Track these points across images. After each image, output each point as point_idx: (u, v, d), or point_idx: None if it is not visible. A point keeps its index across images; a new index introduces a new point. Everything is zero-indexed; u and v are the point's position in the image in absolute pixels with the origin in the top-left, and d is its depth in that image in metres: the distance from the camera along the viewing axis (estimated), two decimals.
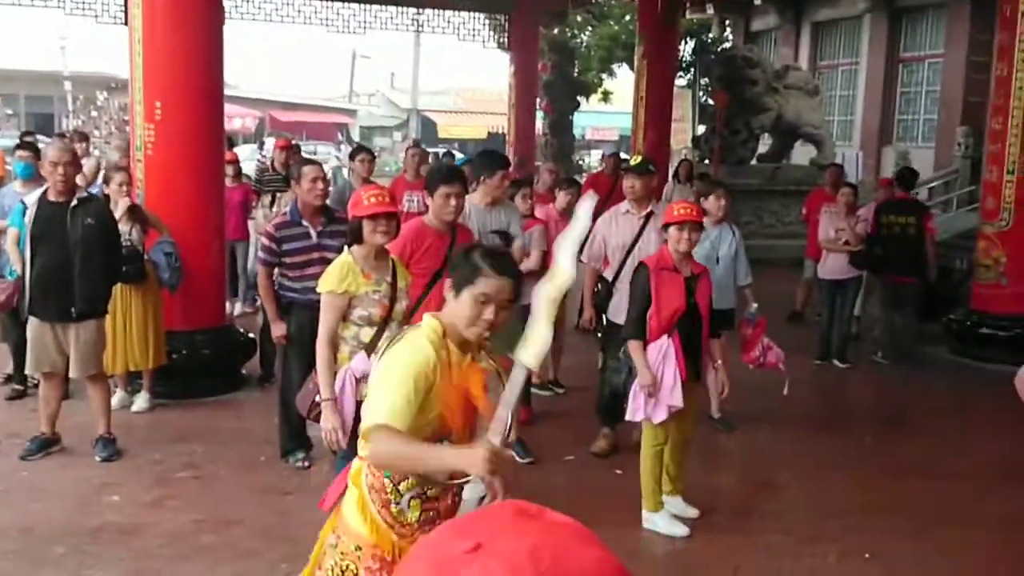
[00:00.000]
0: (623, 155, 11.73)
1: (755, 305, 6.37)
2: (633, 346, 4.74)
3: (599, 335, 6.30)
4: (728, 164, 15.19)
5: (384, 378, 2.53)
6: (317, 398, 4.12)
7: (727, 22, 24.11)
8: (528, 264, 6.19)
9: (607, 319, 6.01)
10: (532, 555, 0.78)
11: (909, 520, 5.07)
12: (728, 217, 6.70)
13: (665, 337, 4.70)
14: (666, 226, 4.77)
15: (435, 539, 0.84)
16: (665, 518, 4.91)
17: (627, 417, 4.91)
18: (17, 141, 8.96)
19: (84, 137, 11.36)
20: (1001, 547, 4.82)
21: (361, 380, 4.10)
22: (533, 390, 7.02)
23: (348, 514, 2.65)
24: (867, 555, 4.63)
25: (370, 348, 4.13)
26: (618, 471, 5.75)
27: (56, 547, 4.46)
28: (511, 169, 6.19)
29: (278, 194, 8.42)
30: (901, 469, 5.93)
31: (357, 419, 4.05)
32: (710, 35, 23.38)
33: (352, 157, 8.12)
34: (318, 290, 4.16)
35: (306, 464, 5.49)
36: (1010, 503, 5.42)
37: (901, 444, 6.52)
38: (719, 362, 5.18)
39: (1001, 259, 8.57)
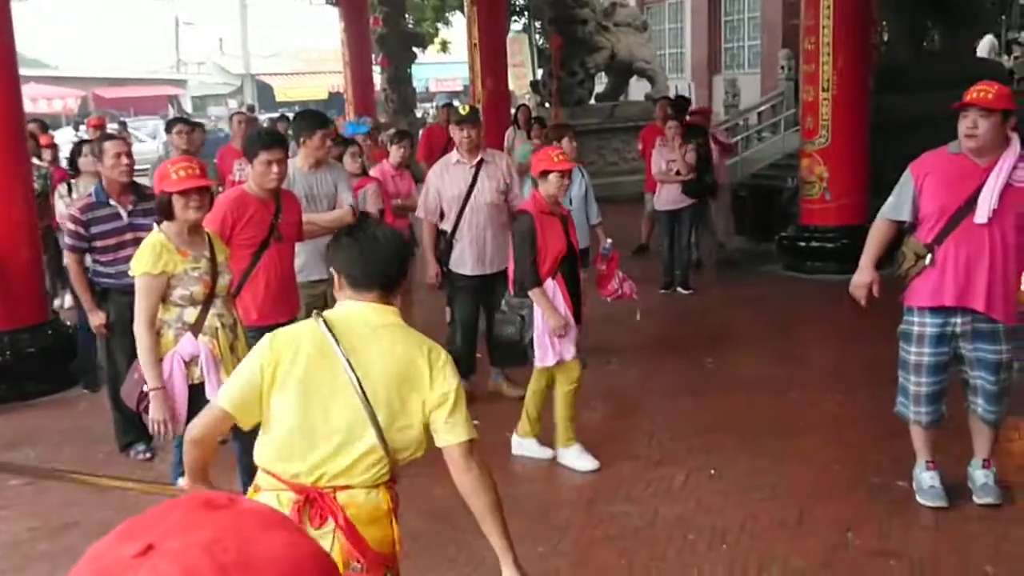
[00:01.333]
0: (456, 104, 11.62)
1: (609, 240, 6.52)
2: (536, 294, 4.80)
3: (444, 288, 6.25)
4: (567, 106, 15.32)
5: (460, 394, 2.43)
6: (144, 388, 3.93)
7: None
8: None
9: (450, 271, 5.97)
10: (209, 548, 0.71)
11: (750, 434, 5.28)
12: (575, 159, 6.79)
13: (550, 280, 4.83)
14: (544, 173, 4.79)
15: (102, 545, 0.75)
16: (575, 453, 4.99)
17: (537, 363, 4.95)
18: None
19: None
20: (834, 448, 5.10)
21: (190, 362, 3.94)
22: None
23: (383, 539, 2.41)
24: (712, 471, 4.80)
25: (196, 328, 3.96)
26: (475, 421, 5.72)
27: None
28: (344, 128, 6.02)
29: None
30: (741, 386, 6.16)
31: (191, 403, 3.89)
32: None
33: (168, 130, 7.72)
34: (131, 273, 3.94)
35: (148, 455, 5.26)
36: (840, 406, 5.75)
37: (740, 362, 6.76)
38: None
39: (824, 175, 8.94)
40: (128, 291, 4.66)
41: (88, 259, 5.17)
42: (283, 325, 4.70)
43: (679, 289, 8.74)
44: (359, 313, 2.45)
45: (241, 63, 43.28)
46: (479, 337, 6.15)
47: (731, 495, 4.52)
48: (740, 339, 7.43)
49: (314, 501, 2.32)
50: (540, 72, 19.34)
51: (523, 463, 5.11)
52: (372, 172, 6.79)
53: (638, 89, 17.75)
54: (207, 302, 3.99)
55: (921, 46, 11.93)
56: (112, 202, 5.10)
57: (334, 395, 2.35)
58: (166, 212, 3.92)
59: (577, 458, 4.97)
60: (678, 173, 8.57)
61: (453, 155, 5.98)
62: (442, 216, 5.96)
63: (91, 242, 5.04)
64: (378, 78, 20.36)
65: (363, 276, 2.46)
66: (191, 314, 3.96)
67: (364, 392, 2.33)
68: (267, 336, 2.46)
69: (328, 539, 2.27)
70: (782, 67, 16.42)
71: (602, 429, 5.60)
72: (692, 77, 19.52)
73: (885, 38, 12.89)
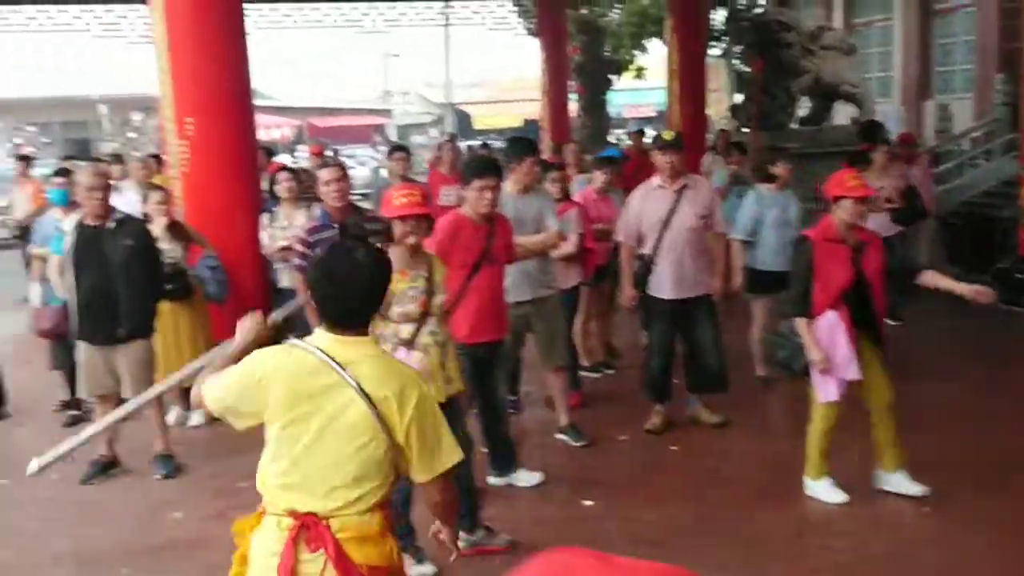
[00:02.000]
0: (646, 131, 11.62)
1: None
2: (800, 324, 4.64)
3: (641, 312, 6.26)
4: (768, 130, 14.98)
5: (440, 419, 2.57)
6: None
7: None
8: (566, 248, 6.18)
9: (647, 295, 5.98)
10: None
11: (966, 470, 5.06)
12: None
13: (831, 312, 4.61)
14: (837, 198, 4.66)
15: None
16: (825, 486, 4.84)
17: (820, 400, 4.75)
18: (54, 169, 8.87)
19: (120, 160, 11.35)
20: None
21: None
22: (585, 373, 7.03)
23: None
24: (925, 508, 4.61)
25: (410, 344, 4.17)
26: (673, 447, 5.74)
27: (121, 568, 4.51)
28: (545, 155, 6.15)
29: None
30: (954, 420, 5.89)
31: None
32: (741, 1, 23.02)
33: (389, 156, 8.16)
34: None
35: None
36: None
37: (954, 396, 6.43)
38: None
39: None
40: None
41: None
42: (492, 344, 4.97)
43: (887, 320, 8.35)
44: (338, 348, 2.50)
45: (442, 93, 44.88)
46: (675, 362, 6.13)
47: (948, 531, 4.33)
48: (955, 372, 7.05)
49: (309, 528, 2.44)
50: (739, 97, 19.04)
51: (722, 493, 5.03)
52: (575, 197, 6.92)
53: (844, 113, 17.13)
54: (422, 320, 4.19)
55: None
56: (335, 225, 5.44)
57: (330, 429, 2.46)
58: (389, 236, 4.16)
59: (827, 491, 4.82)
60: (887, 200, 8.24)
61: (655, 179, 6.01)
62: (641, 240, 6.00)
63: None
64: (573, 105, 20.63)
65: (339, 317, 2.53)
66: (407, 330, 4.16)
67: (378, 414, 2.43)
68: (260, 353, 2.58)
69: (320, 563, 2.42)
70: (997, 92, 15.45)
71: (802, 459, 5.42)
72: (901, 101, 18.67)
73: None
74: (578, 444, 5.81)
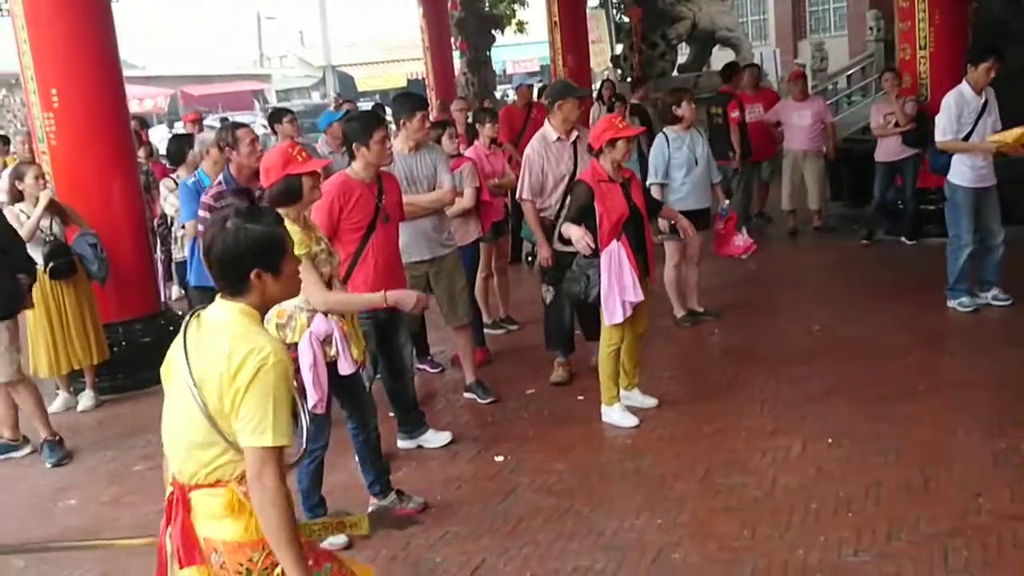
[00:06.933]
0: (535, 85, 11.56)
1: (727, 201, 6.79)
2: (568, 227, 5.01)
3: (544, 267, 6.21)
4: (650, 79, 15.09)
5: (260, 395, 2.26)
6: None
7: None
8: (463, 203, 6.12)
9: (555, 249, 5.93)
10: None
11: (867, 400, 5.16)
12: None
13: (615, 242, 4.97)
14: (612, 141, 4.97)
15: None
16: (618, 411, 5.27)
17: (606, 322, 5.12)
18: None
19: None
20: (957, 412, 4.90)
21: (324, 341, 3.98)
22: (487, 330, 6.98)
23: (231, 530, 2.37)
24: (829, 439, 4.70)
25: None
26: (580, 397, 5.76)
27: (16, 560, 4.34)
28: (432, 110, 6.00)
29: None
30: (854, 351, 6.01)
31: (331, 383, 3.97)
32: None
33: (278, 120, 7.90)
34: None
35: None
36: (965, 369, 5.58)
37: (853, 327, 6.55)
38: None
39: None
40: None
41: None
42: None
43: (903, 239, 8.79)
44: (216, 310, 2.40)
45: (322, 55, 43.79)
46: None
47: (852, 462, 4.42)
48: (845, 303, 7.19)
49: (175, 498, 2.39)
50: (620, 47, 19.13)
51: (633, 437, 5.08)
52: (467, 152, 6.82)
53: (721, 59, 17.43)
54: (329, 283, 4.03)
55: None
56: (242, 188, 5.17)
57: (180, 396, 2.35)
58: (296, 195, 3.94)
59: (619, 416, 5.22)
60: (896, 125, 8.49)
61: (551, 133, 5.94)
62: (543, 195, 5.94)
63: None
64: (457, 62, 20.35)
65: (212, 274, 2.42)
66: None
67: (196, 388, 2.28)
68: None
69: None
70: (871, 28, 15.93)
71: (712, 397, 5.52)
72: (777, 43, 19.08)
73: None
74: (485, 401, 5.78)
